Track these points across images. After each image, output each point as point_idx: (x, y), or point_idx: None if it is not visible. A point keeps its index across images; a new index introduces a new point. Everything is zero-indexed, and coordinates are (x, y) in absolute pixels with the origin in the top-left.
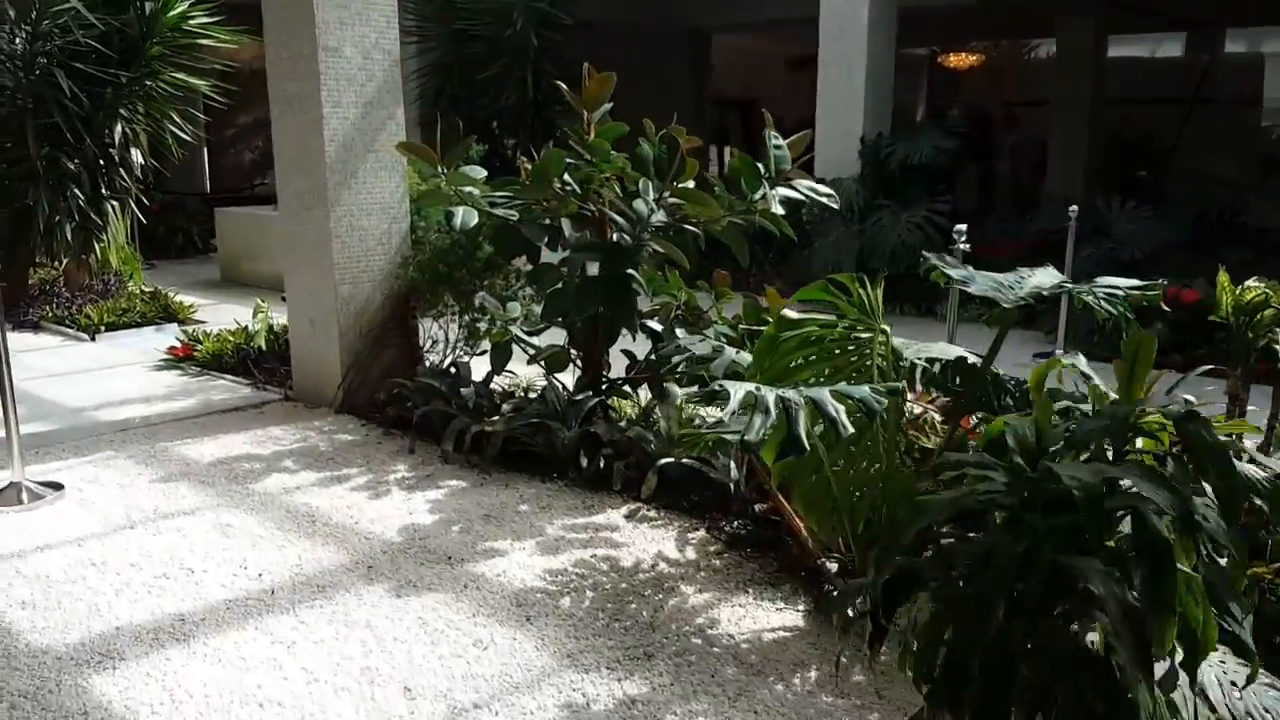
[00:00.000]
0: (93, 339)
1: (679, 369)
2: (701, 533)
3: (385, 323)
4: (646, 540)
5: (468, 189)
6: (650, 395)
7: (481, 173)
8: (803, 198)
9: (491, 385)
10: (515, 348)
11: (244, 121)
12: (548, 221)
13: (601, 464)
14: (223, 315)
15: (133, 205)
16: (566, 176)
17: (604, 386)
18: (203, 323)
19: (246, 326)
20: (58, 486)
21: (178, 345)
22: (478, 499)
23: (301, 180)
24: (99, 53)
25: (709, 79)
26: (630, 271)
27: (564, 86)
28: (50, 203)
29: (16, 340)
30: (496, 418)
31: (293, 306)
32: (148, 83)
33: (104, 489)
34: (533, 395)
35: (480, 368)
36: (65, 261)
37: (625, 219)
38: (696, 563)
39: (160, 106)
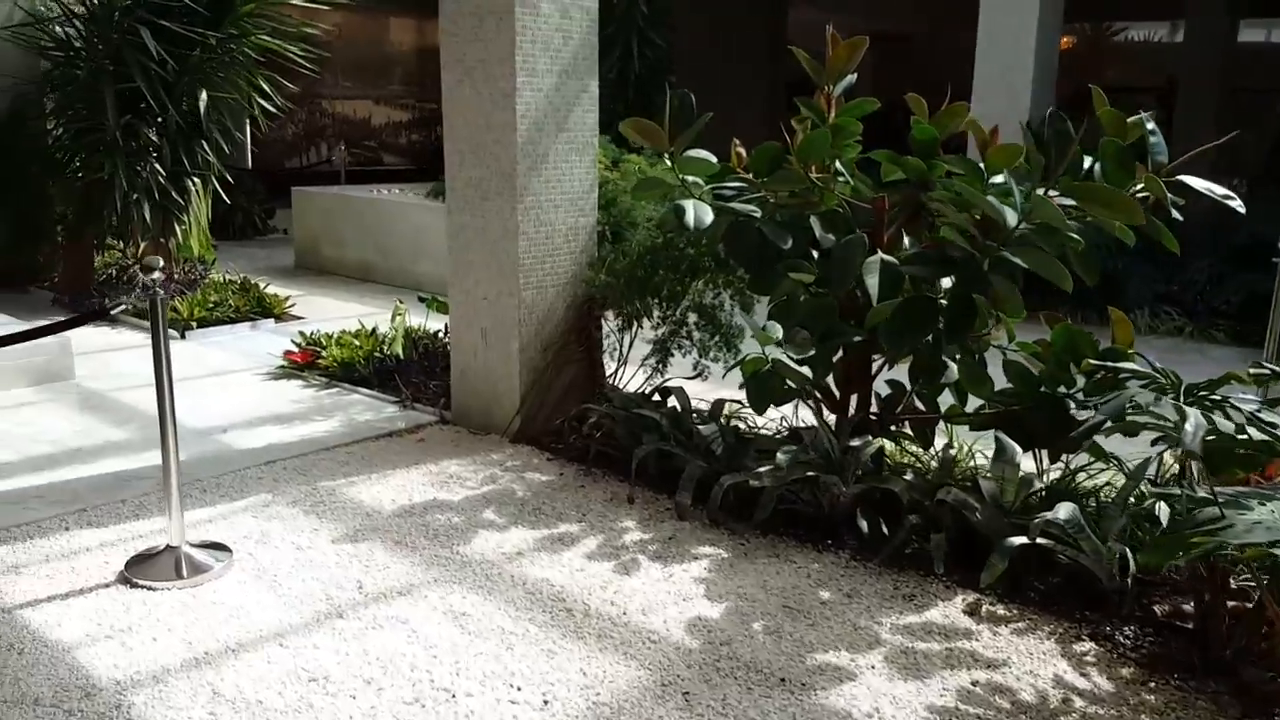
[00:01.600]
0: (182, 336)
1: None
2: (1089, 644)
3: (567, 335)
4: (1023, 656)
5: (693, 179)
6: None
7: (713, 159)
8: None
9: (720, 420)
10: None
11: (287, 94)
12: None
13: (885, 530)
14: (316, 309)
15: (215, 183)
16: (838, 164)
17: (874, 426)
18: (300, 319)
19: (375, 329)
20: (222, 549)
21: (295, 350)
22: (758, 579)
23: (480, 165)
24: (187, 9)
25: (783, 58)
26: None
27: (802, 54)
28: (128, 178)
29: (93, 336)
30: (764, 468)
31: (457, 314)
32: (233, 46)
33: (279, 552)
34: (741, 430)
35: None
36: (143, 245)
37: (974, 224)
38: (1121, 697)
39: (246, 72)
